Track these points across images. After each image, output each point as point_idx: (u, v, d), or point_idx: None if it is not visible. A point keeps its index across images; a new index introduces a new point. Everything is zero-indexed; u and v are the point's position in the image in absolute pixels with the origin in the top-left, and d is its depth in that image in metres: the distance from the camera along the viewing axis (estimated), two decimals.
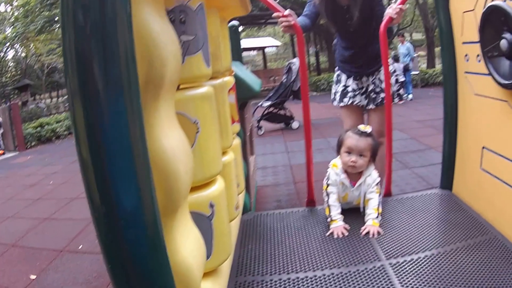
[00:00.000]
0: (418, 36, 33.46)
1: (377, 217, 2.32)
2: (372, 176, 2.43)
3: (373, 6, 2.71)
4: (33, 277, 2.66)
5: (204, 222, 1.41)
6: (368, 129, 2.42)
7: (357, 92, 2.97)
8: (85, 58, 0.82)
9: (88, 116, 0.83)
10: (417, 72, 12.34)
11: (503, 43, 1.87)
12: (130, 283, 0.92)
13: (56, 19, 16.36)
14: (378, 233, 2.23)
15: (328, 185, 2.45)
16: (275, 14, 2.53)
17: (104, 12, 0.81)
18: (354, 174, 2.43)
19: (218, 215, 1.47)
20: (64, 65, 0.85)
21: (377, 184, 2.43)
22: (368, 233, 2.23)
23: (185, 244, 1.13)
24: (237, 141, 2.36)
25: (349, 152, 2.37)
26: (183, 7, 1.39)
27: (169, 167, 1.06)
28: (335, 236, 2.26)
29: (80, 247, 3.13)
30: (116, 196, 0.87)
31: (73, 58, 0.82)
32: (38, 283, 2.57)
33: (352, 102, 2.96)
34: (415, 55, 11.94)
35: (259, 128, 8.06)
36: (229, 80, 2.31)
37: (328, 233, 2.30)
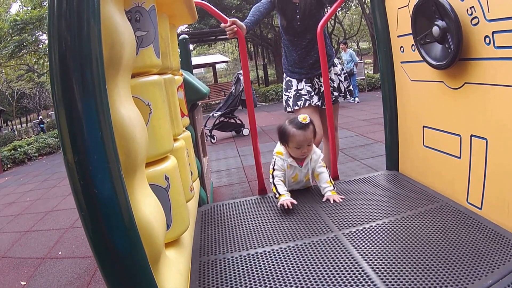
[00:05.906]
0: (365, 45, 34.93)
1: (333, 188, 2.53)
2: (316, 152, 2.60)
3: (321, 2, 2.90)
4: (23, 283, 2.91)
5: (162, 193, 1.50)
6: (307, 119, 2.47)
7: (312, 93, 3.02)
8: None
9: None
10: (362, 77, 12.85)
11: (435, 29, 2.06)
12: (104, 241, 0.98)
13: (24, 43, 16.08)
14: (341, 199, 2.44)
15: (274, 169, 2.56)
16: (222, 25, 2.77)
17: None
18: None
19: (173, 187, 1.58)
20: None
21: (322, 159, 2.60)
22: (329, 201, 2.46)
23: (144, 203, 1.20)
24: (188, 134, 2.44)
25: (299, 147, 2.46)
26: (138, 8, 1.59)
27: (127, 131, 1.16)
28: (285, 207, 2.37)
29: (59, 253, 3.41)
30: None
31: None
32: None
33: (310, 104, 2.98)
34: (360, 61, 12.42)
35: (212, 137, 8.11)
36: (178, 78, 2.50)
37: (278, 204, 2.43)
